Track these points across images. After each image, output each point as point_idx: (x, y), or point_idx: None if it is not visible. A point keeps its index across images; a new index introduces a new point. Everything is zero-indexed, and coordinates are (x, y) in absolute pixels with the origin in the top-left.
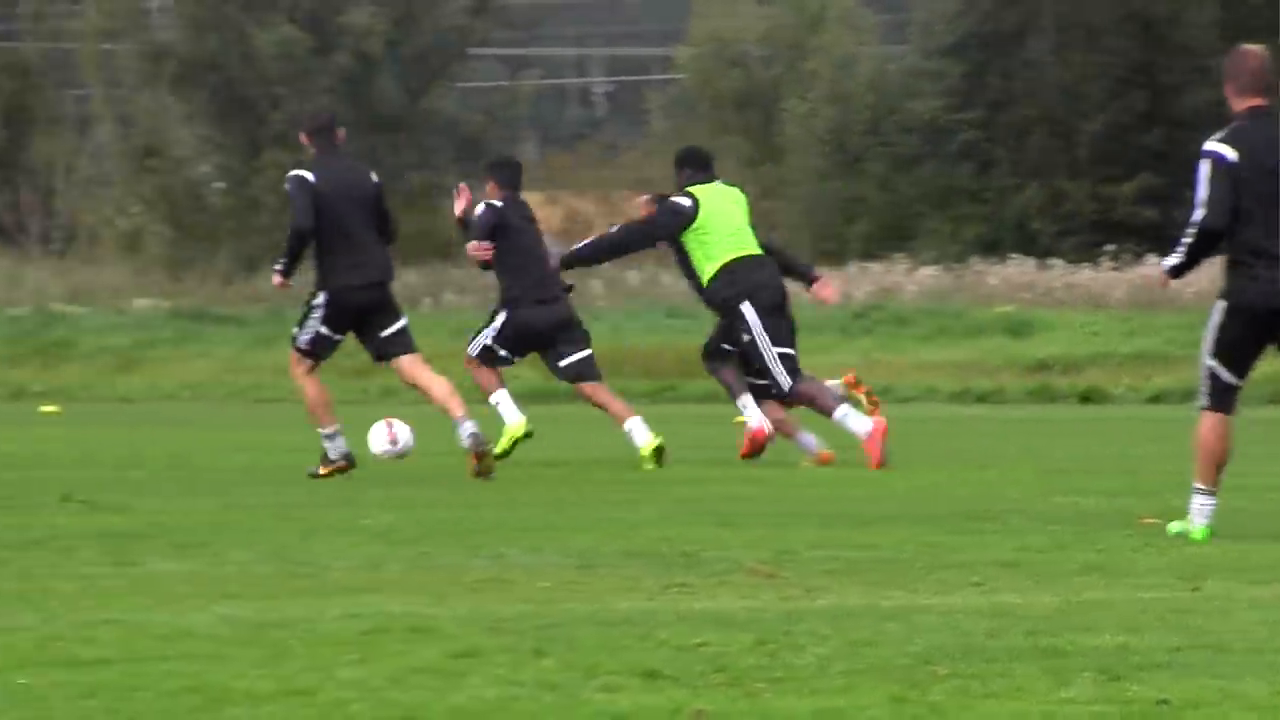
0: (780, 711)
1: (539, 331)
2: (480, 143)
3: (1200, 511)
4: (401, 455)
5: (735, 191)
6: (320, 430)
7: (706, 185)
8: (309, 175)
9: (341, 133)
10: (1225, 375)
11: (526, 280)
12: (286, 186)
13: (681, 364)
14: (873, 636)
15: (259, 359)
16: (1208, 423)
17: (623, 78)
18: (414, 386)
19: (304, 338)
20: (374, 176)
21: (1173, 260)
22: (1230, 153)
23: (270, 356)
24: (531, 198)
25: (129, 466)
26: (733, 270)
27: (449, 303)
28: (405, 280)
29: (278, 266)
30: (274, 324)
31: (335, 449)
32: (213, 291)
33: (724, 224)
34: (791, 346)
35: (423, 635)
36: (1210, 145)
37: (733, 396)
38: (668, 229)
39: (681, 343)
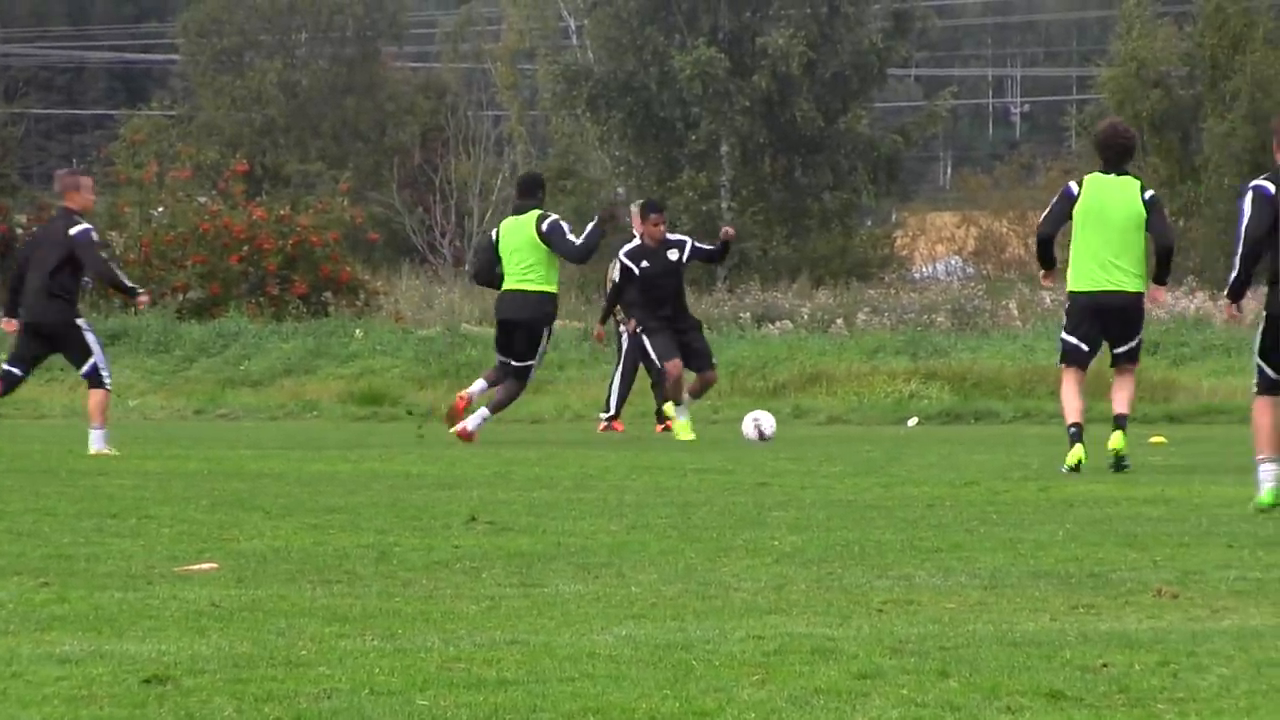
0: None
1: None
2: (896, 163)
3: None
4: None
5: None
6: None
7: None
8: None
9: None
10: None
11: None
12: None
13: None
14: (1279, 657)
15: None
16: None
17: (1041, 98)
18: None
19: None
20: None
21: None
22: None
23: None
24: (945, 218)
25: (537, 487)
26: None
27: (862, 323)
28: (817, 301)
29: None
30: None
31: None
32: None
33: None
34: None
35: (825, 656)
36: None
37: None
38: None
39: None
